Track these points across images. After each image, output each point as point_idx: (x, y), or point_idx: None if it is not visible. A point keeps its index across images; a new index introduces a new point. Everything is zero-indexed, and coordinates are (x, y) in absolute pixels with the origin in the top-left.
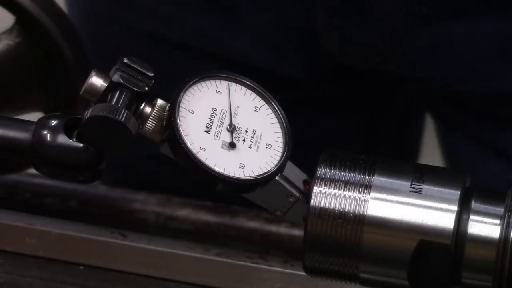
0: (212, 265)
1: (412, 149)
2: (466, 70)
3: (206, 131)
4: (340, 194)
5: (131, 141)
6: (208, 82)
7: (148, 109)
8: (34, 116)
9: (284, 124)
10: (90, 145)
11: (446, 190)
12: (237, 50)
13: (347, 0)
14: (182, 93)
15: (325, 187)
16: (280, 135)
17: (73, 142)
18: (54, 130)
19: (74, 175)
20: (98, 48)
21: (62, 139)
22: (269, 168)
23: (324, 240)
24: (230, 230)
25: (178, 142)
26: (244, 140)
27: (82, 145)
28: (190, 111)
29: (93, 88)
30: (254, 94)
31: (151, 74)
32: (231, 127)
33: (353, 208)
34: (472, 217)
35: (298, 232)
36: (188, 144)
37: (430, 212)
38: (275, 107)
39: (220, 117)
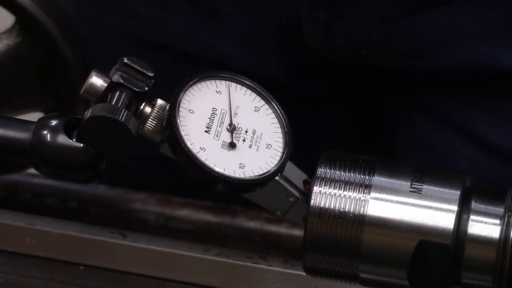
0: (212, 265)
1: (399, 147)
2: (453, 57)
3: (206, 131)
4: (340, 194)
5: (131, 141)
6: (208, 82)
7: (148, 109)
8: (34, 116)
9: (284, 124)
10: (90, 145)
11: (446, 190)
12: (218, 51)
13: None
14: (182, 93)
15: (325, 187)
16: (280, 135)
17: (73, 142)
18: (54, 130)
19: (74, 175)
20: None
21: (62, 139)
22: (269, 168)
23: (324, 240)
24: (230, 230)
25: (178, 142)
26: (244, 140)
27: (82, 145)
28: (190, 111)
29: (93, 88)
30: (254, 94)
31: (151, 74)
32: (231, 127)
33: (353, 208)
34: (472, 217)
35: (298, 232)
36: (188, 144)
37: (430, 212)
38: (275, 107)
39: (220, 117)
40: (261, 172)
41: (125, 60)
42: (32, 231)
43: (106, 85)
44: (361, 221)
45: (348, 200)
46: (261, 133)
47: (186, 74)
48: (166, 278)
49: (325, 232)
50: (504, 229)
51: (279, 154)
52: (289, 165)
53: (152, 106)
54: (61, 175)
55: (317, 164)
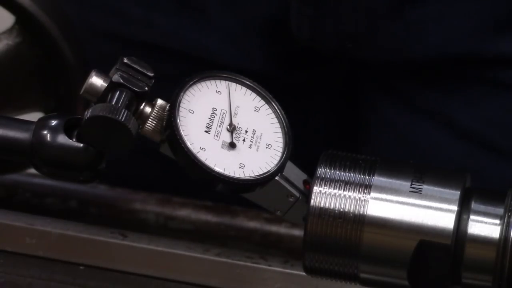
0: (212, 265)
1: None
2: (439, 50)
3: (206, 131)
4: (340, 194)
5: (131, 141)
6: (208, 82)
7: (148, 109)
8: (34, 116)
9: (284, 124)
10: (90, 145)
11: (446, 190)
12: (206, 48)
13: None
14: (182, 93)
15: (325, 187)
16: (280, 135)
17: (73, 142)
18: (54, 130)
19: (74, 175)
20: None
21: (62, 139)
22: (269, 168)
23: (324, 240)
24: (230, 230)
25: (178, 142)
26: (244, 140)
27: (82, 145)
28: (190, 111)
29: (93, 88)
30: (254, 94)
31: (151, 74)
32: (231, 127)
33: (353, 208)
34: (472, 217)
35: (298, 232)
36: (188, 144)
37: (430, 212)
38: (275, 107)
39: (220, 117)
40: (261, 172)
41: (125, 60)
42: (32, 231)
43: (106, 85)
44: (361, 221)
45: (348, 200)
46: (261, 133)
47: (175, 72)
48: (166, 278)
49: (325, 232)
50: (504, 229)
51: (279, 154)
52: (289, 165)
53: (152, 106)
54: (61, 175)
55: (317, 164)
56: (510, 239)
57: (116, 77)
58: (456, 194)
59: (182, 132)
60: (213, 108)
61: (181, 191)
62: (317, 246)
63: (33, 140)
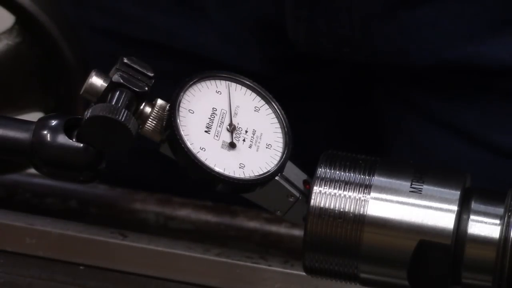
0: (212, 265)
1: (386, 141)
2: (435, 54)
3: (206, 131)
4: (340, 194)
5: (131, 141)
6: (208, 82)
7: (148, 109)
8: (34, 116)
9: (284, 124)
10: (90, 145)
11: (446, 190)
12: (204, 47)
13: None
14: (182, 93)
15: (325, 187)
16: (280, 135)
17: (73, 142)
18: (54, 130)
19: (74, 175)
20: None
21: (62, 139)
22: (269, 168)
23: (324, 240)
24: (230, 230)
25: (178, 142)
26: (244, 140)
27: (82, 145)
28: (190, 111)
29: (93, 88)
30: (254, 94)
31: (151, 74)
32: (231, 127)
33: (353, 208)
34: (472, 217)
35: (298, 232)
36: (188, 144)
37: (430, 212)
38: (275, 107)
39: (220, 117)
40: (261, 172)
41: (125, 60)
42: (32, 231)
43: (106, 85)
44: (361, 221)
45: (348, 200)
46: (261, 133)
47: (173, 70)
48: (166, 278)
49: (325, 232)
50: (504, 229)
51: (279, 154)
52: (289, 165)
53: (152, 106)
54: (61, 175)
55: (317, 164)
56: (510, 239)
57: (116, 77)
58: (456, 194)
59: (182, 132)
60: (213, 108)
61: (181, 191)
62: (317, 246)
63: (33, 140)
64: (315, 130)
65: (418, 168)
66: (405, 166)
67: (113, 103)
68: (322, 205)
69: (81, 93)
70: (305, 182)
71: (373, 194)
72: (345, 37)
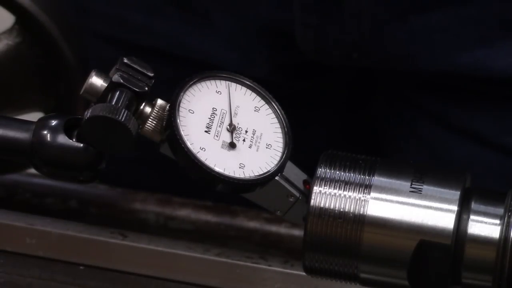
0: (212, 265)
1: (391, 145)
2: (445, 59)
3: (206, 131)
4: (340, 194)
5: (131, 141)
6: (208, 82)
7: (148, 109)
8: (34, 116)
9: (284, 124)
10: (90, 145)
11: (446, 190)
12: (209, 54)
13: None
14: (182, 93)
15: (325, 187)
16: (280, 135)
17: (73, 142)
18: (54, 130)
19: (74, 175)
20: None
21: (62, 139)
22: (269, 168)
23: (324, 240)
24: (230, 230)
25: (178, 142)
26: (244, 140)
27: (82, 145)
28: (190, 111)
29: (93, 88)
30: (254, 94)
31: (151, 74)
32: (231, 127)
33: (353, 208)
34: (472, 217)
35: (298, 232)
36: (188, 144)
37: (430, 212)
38: (275, 107)
39: (220, 117)
40: (261, 172)
41: (125, 60)
42: (32, 231)
43: (106, 85)
44: (361, 221)
45: (348, 200)
46: (261, 133)
47: (176, 77)
48: (166, 278)
49: (325, 232)
50: (504, 229)
51: (279, 154)
52: (289, 165)
53: (152, 106)
54: (61, 175)
55: (317, 164)
56: (510, 239)
57: (116, 77)
58: (456, 194)
59: (182, 132)
60: (213, 108)
61: (181, 191)
62: (317, 246)
63: (33, 140)
64: (318, 136)
65: (418, 168)
66: (405, 166)
67: (113, 103)
68: (322, 205)
69: (81, 93)
70: (305, 182)
71: (373, 194)
72: (354, 43)
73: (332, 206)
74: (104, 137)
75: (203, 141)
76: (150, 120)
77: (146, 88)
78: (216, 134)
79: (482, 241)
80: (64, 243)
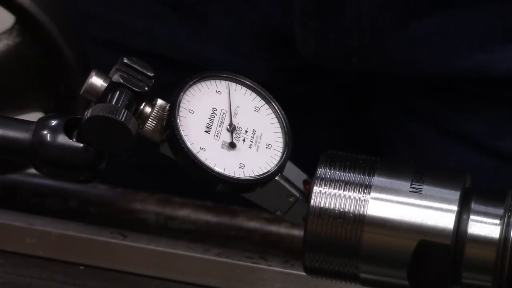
0: (212, 265)
1: (390, 149)
2: (444, 63)
3: (206, 131)
4: (340, 194)
5: (131, 141)
6: (208, 82)
7: (148, 109)
8: (34, 116)
9: (284, 124)
10: (90, 145)
11: (446, 190)
12: (208, 58)
13: (324, 2)
14: (182, 93)
15: (325, 187)
16: (280, 135)
17: (73, 142)
18: (54, 130)
19: (74, 175)
20: None
21: (62, 139)
22: (269, 168)
23: (324, 240)
24: (230, 230)
25: (178, 142)
26: (244, 140)
27: (82, 145)
28: (190, 111)
29: (93, 88)
30: (254, 94)
31: (151, 74)
32: (231, 127)
33: (353, 208)
34: (472, 217)
35: (298, 232)
36: (188, 144)
37: (430, 212)
38: (275, 107)
39: (220, 117)
40: (261, 172)
41: (125, 60)
42: (32, 231)
43: (106, 85)
44: (361, 221)
45: (348, 200)
46: (261, 133)
47: (177, 82)
48: (166, 278)
49: (325, 232)
50: (504, 229)
51: (279, 154)
52: (289, 165)
53: (152, 106)
54: (61, 175)
55: (317, 164)
56: (510, 239)
57: (116, 77)
58: (456, 194)
59: (182, 132)
60: (213, 108)
61: (181, 191)
62: (317, 246)
63: (33, 140)
64: (317, 140)
65: (418, 168)
66: (405, 166)
67: (113, 103)
68: (322, 205)
69: (81, 93)
70: (305, 182)
71: (373, 194)
72: (355, 48)
73: (332, 206)
74: (104, 137)
75: (203, 141)
76: (150, 120)
77: (146, 88)
78: (216, 134)
79: (482, 241)
80: (64, 243)
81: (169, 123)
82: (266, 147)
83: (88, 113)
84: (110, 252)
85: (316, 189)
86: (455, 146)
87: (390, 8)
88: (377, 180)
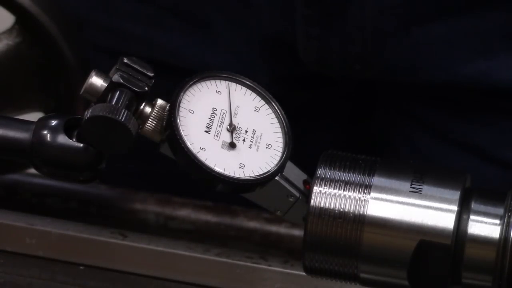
0: (212, 265)
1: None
2: (447, 71)
3: (206, 131)
4: (340, 194)
5: (131, 141)
6: (208, 82)
7: (148, 109)
8: (34, 116)
9: (284, 124)
10: (90, 145)
11: (446, 190)
12: (210, 65)
13: (326, 9)
14: (182, 93)
15: (325, 187)
16: (280, 135)
17: (73, 142)
18: (54, 130)
19: (74, 175)
20: None
21: (62, 139)
22: (269, 168)
23: (324, 240)
24: (230, 230)
25: (178, 142)
26: (244, 140)
27: (82, 145)
28: (190, 111)
29: (93, 88)
30: (254, 94)
31: (151, 74)
32: (231, 127)
33: (353, 208)
34: (472, 217)
35: (298, 232)
36: (188, 144)
37: (430, 212)
38: (275, 107)
39: (220, 117)
40: (261, 172)
41: (125, 60)
42: (32, 231)
43: (106, 85)
44: (361, 221)
45: (348, 200)
46: (261, 133)
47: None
48: (166, 278)
49: (325, 232)
50: (504, 229)
51: (279, 154)
52: (289, 165)
53: (152, 106)
54: (61, 175)
55: (317, 164)
56: (510, 239)
57: (116, 77)
58: (456, 194)
59: (182, 132)
60: (213, 108)
61: (181, 191)
62: (317, 246)
63: (33, 140)
64: (319, 147)
65: (418, 168)
66: (405, 166)
67: (113, 103)
68: (322, 205)
69: (81, 93)
70: (305, 182)
71: (373, 194)
72: (357, 55)
73: (332, 206)
74: (104, 137)
75: (203, 141)
76: (150, 120)
77: (146, 88)
78: (216, 134)
79: (482, 241)
80: (64, 243)
81: (169, 123)
82: (266, 147)
83: (88, 113)
84: (110, 252)
85: (316, 189)
86: (457, 155)
87: (392, 15)
88: (377, 180)
